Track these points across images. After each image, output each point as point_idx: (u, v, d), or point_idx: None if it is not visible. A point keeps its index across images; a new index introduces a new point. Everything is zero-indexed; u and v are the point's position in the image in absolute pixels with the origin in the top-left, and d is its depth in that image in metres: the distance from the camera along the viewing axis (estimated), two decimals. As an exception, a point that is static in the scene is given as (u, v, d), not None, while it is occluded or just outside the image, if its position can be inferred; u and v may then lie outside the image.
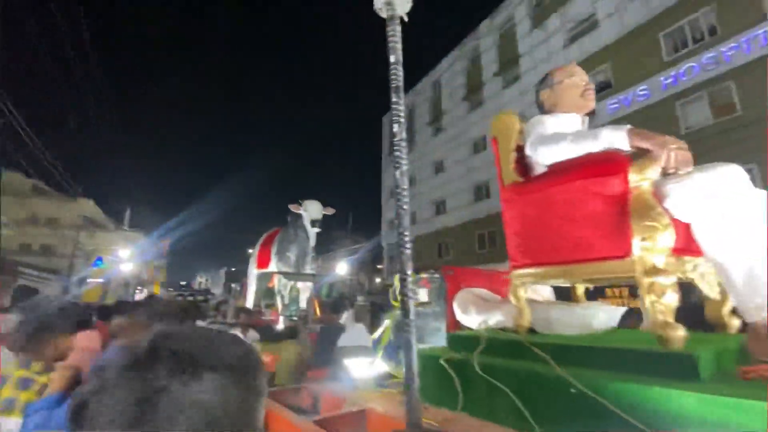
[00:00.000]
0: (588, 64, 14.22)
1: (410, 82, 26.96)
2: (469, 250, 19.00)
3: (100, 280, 23.13)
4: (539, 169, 1.45)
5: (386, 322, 1.97)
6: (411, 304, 0.98)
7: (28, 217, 29.38)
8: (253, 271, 9.18)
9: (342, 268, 22.16)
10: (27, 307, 1.43)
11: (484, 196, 19.87)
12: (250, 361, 0.44)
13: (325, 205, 7.83)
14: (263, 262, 8.78)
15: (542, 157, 1.31)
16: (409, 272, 1.02)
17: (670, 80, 12.19)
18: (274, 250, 8.13)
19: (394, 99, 1.10)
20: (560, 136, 1.25)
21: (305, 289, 8.01)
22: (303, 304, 8.18)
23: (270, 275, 7.76)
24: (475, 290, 1.80)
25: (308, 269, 7.61)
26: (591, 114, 1.59)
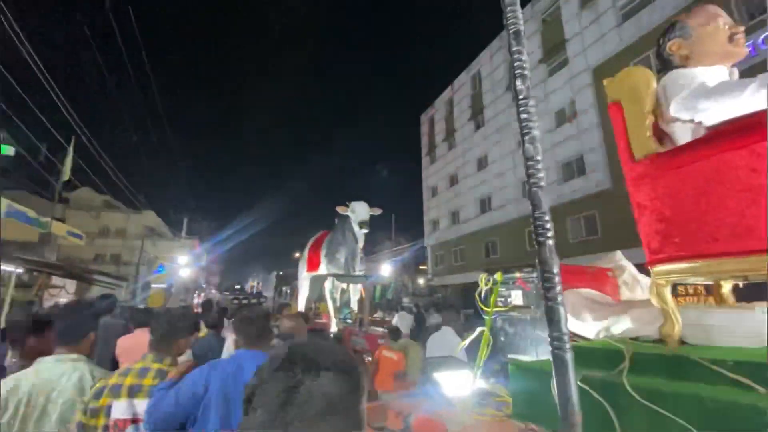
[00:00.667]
0: (646, 43, 13.04)
1: (447, 79, 26.44)
2: (518, 248, 18.14)
3: (163, 285, 24.84)
4: (680, 136, 1.15)
5: (479, 330, 1.70)
6: (561, 311, 0.73)
7: (100, 230, 32.21)
8: (304, 274, 9.27)
9: (386, 269, 22.09)
10: (157, 314, 1.91)
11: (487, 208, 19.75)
12: (353, 364, 0.58)
13: (371, 206, 7.72)
14: (313, 265, 8.82)
15: (708, 115, 1.01)
16: (556, 267, 0.78)
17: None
18: (323, 252, 8.13)
19: (514, 47, 0.86)
20: (738, 84, 0.95)
21: (355, 291, 7.94)
22: (353, 306, 8.12)
23: (324, 278, 7.70)
24: (582, 291, 1.51)
25: (358, 271, 7.52)
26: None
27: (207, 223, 34.02)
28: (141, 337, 2.68)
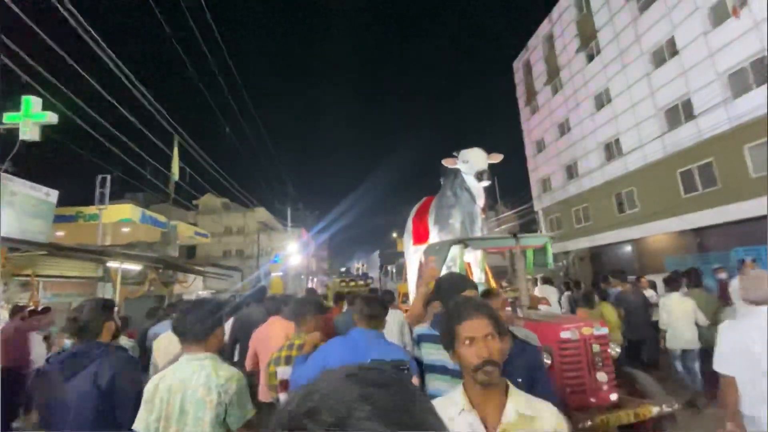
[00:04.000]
0: None
1: (521, 41, 22.28)
2: (667, 196, 14.35)
3: (281, 273, 26.84)
4: None
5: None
6: None
7: (225, 229, 36.32)
8: (411, 249, 8.07)
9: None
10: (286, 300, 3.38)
11: (615, 154, 17.29)
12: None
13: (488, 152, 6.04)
14: (420, 236, 7.51)
15: None
16: None
17: None
18: (431, 219, 6.74)
19: None
20: None
21: (475, 262, 6.40)
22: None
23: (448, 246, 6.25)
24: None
25: (478, 235, 5.98)
26: None
27: (310, 212, 35.78)
28: (274, 324, 3.16)
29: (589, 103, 18.81)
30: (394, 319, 3.81)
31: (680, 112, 14.11)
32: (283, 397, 1.99)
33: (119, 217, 13.45)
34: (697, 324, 4.50)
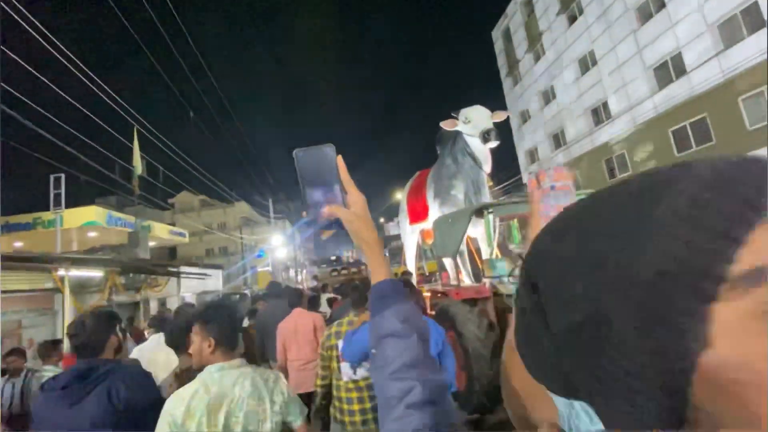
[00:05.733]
0: None
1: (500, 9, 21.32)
2: (660, 156, 14.00)
3: (268, 268, 25.89)
4: None
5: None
6: None
7: (206, 226, 34.85)
8: (407, 229, 7.34)
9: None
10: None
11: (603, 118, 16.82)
12: None
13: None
14: (418, 215, 6.78)
15: None
16: None
17: None
18: (430, 193, 5.99)
19: None
20: None
21: (482, 238, 5.70)
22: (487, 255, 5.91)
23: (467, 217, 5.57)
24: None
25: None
26: None
27: (293, 202, 34.61)
28: (297, 317, 3.35)
29: (573, 68, 18.21)
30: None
31: (670, 69, 13.64)
32: (344, 366, 2.29)
33: (83, 220, 12.24)
34: None
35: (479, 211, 3.71)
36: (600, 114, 17.22)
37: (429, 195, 5.98)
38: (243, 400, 1.35)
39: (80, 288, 7.19)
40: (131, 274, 8.00)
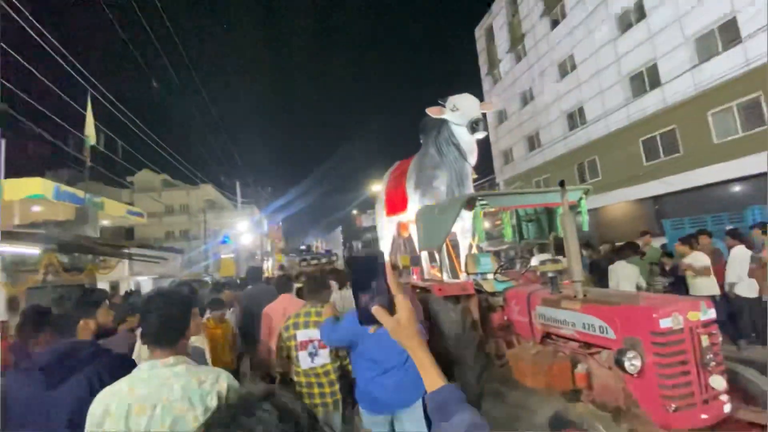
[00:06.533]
0: None
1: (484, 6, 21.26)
2: (629, 163, 14.43)
3: (232, 255, 24.82)
4: None
5: None
6: None
7: (166, 208, 32.99)
8: (383, 220, 7.02)
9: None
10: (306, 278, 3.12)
11: (578, 123, 17.09)
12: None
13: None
14: (395, 206, 6.45)
15: None
16: None
17: None
18: (410, 183, 5.68)
19: None
20: None
21: (464, 233, 5.47)
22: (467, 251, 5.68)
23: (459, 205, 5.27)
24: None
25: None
26: None
27: (262, 189, 33.43)
28: (287, 302, 3.50)
29: (553, 71, 18.43)
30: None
31: (645, 80, 14.00)
32: (302, 354, 2.40)
33: (26, 193, 11.06)
34: (637, 286, 5.06)
35: (469, 202, 3.42)
36: (575, 118, 17.54)
37: (409, 185, 5.67)
38: (170, 404, 1.22)
39: (14, 266, 6.38)
40: (76, 254, 7.21)
